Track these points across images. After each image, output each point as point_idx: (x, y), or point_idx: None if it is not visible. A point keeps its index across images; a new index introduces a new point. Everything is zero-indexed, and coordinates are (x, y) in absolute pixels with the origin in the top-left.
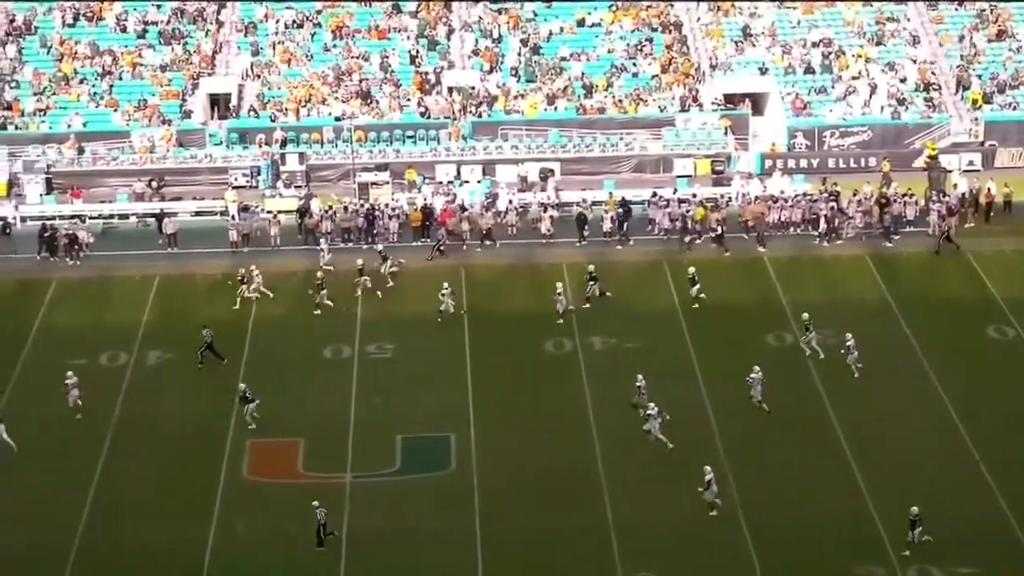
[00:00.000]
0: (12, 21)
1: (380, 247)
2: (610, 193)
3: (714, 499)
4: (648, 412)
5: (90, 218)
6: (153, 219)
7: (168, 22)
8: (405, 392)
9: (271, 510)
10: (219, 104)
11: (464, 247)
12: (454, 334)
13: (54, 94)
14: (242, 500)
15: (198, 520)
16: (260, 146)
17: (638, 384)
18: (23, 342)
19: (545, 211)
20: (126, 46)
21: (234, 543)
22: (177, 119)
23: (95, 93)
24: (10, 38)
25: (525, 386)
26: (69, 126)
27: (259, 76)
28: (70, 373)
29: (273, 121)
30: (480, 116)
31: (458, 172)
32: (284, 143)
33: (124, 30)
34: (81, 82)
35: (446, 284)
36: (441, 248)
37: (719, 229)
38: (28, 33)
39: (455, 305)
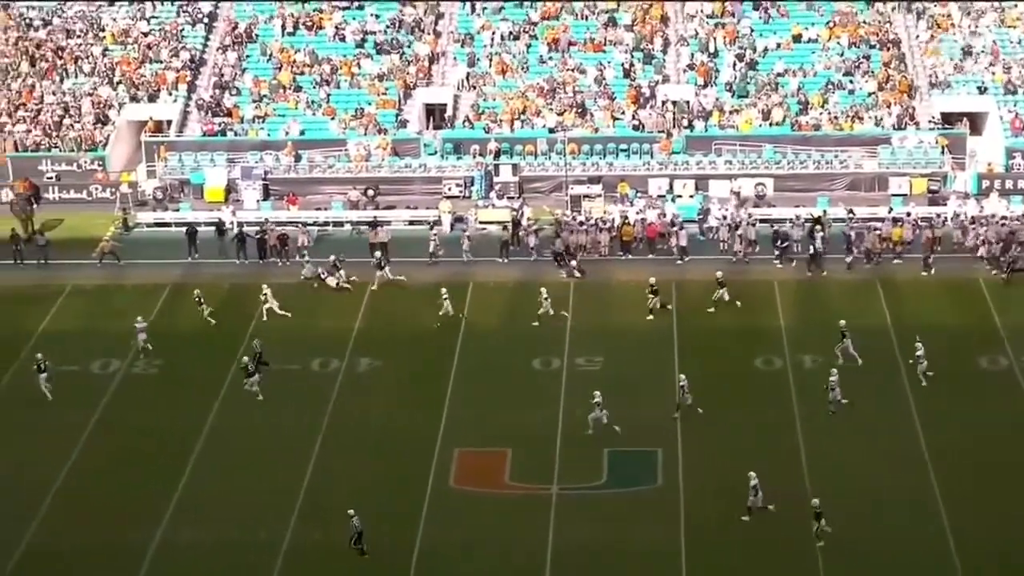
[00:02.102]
0: (234, 29)
1: (378, 254)
2: (824, 211)
3: (760, 505)
4: (595, 400)
5: (305, 224)
6: (367, 227)
7: (386, 32)
8: (613, 405)
9: (477, 519)
10: (434, 114)
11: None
12: (663, 348)
13: (273, 101)
14: (448, 508)
15: (405, 526)
16: (474, 156)
17: (681, 384)
18: (237, 346)
19: (736, 229)
20: (344, 55)
21: (440, 550)
22: (393, 128)
23: (313, 101)
24: (232, 46)
25: (734, 402)
26: (287, 133)
27: (474, 87)
28: (139, 318)
29: (487, 132)
30: (693, 130)
31: (671, 186)
32: (498, 154)
33: (343, 39)
34: (298, 90)
35: (444, 289)
36: (580, 268)
37: (811, 248)
38: (249, 41)
39: (453, 309)
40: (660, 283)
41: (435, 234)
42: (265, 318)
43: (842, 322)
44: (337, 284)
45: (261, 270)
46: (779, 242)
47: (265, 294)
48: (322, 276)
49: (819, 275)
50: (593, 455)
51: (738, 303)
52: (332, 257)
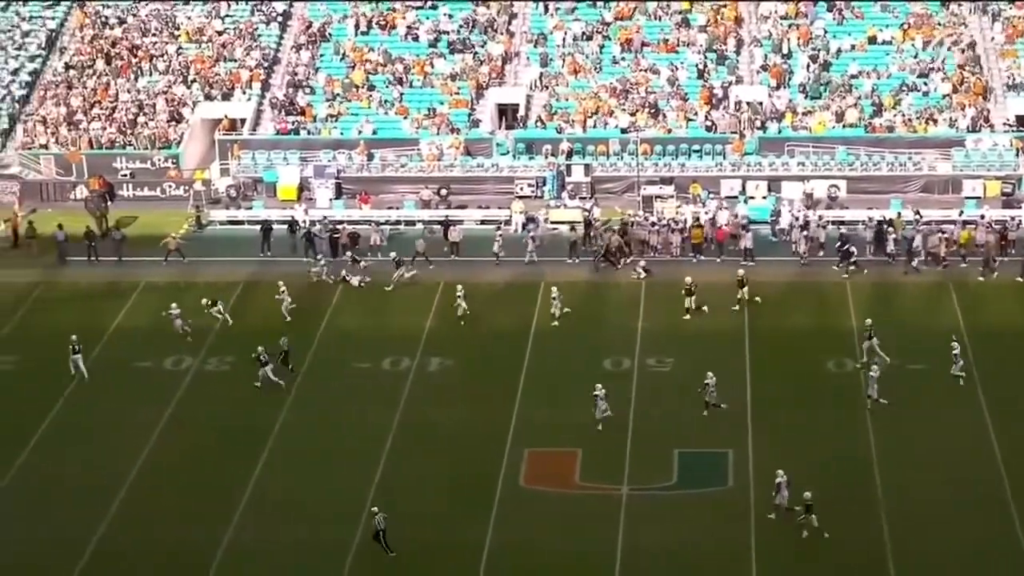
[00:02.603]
0: (308, 28)
1: (393, 254)
2: (898, 213)
3: (787, 506)
4: (595, 394)
5: (378, 224)
6: (439, 226)
7: (459, 32)
8: (683, 406)
9: (547, 519)
10: (507, 114)
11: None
12: (735, 350)
13: (346, 100)
14: (518, 508)
15: (475, 525)
16: (546, 157)
17: (707, 382)
18: (310, 343)
19: (801, 231)
20: (417, 55)
21: (509, 550)
22: (465, 128)
23: (385, 100)
24: (306, 44)
25: (805, 404)
26: (360, 132)
27: (547, 87)
28: (174, 304)
29: (560, 132)
30: (766, 131)
31: (743, 187)
32: (570, 154)
33: (416, 39)
34: (371, 89)
35: (460, 287)
36: (647, 268)
37: (844, 249)
38: (323, 40)
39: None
40: (729, 285)
41: (500, 235)
42: (288, 318)
43: (868, 320)
44: (359, 283)
45: (333, 269)
46: (840, 244)
47: (282, 292)
48: (346, 277)
49: (852, 274)
50: (664, 456)
51: (740, 295)
52: (348, 254)
